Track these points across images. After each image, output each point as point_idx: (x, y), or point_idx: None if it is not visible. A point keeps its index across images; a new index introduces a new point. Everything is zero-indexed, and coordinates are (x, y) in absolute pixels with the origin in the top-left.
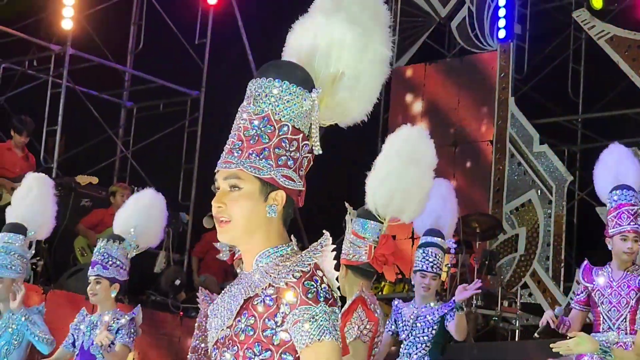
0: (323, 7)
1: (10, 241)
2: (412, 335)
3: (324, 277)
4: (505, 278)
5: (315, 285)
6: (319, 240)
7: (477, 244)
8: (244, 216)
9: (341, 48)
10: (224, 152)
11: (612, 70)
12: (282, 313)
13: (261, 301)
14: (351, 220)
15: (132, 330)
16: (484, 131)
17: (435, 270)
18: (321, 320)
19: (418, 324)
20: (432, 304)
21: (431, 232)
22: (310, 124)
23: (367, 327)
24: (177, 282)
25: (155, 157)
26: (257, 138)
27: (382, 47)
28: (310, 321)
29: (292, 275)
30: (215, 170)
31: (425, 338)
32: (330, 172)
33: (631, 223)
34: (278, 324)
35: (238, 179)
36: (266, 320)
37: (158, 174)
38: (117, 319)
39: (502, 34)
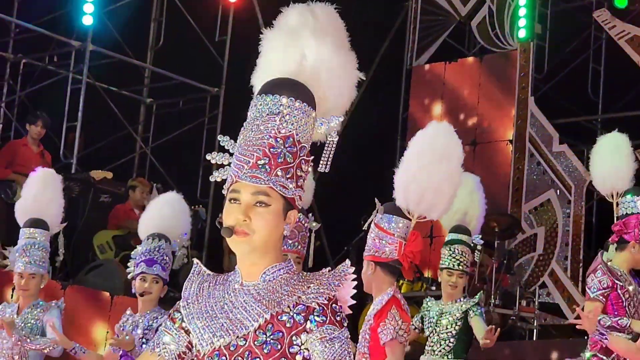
0: (305, 23)
1: (36, 236)
2: (435, 332)
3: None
4: (524, 277)
5: (340, 310)
6: (340, 267)
7: (495, 243)
8: (267, 232)
9: (330, 72)
10: (246, 165)
11: (632, 70)
12: (309, 329)
13: (290, 318)
14: (377, 215)
15: None
16: (504, 130)
17: (462, 268)
18: (343, 344)
19: (442, 321)
20: (458, 300)
21: (458, 229)
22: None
23: (402, 327)
24: None
25: (175, 154)
26: (283, 157)
27: (357, 72)
28: (333, 341)
29: (323, 297)
30: (234, 180)
31: (449, 334)
32: (350, 170)
33: None
34: (303, 342)
35: (267, 196)
36: (293, 337)
37: (177, 170)
38: (156, 318)
39: (522, 33)
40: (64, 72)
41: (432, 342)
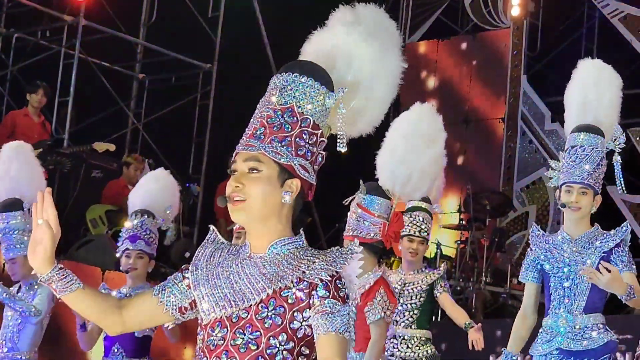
0: (342, 19)
1: (9, 221)
2: (399, 303)
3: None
4: (515, 255)
5: (344, 287)
6: (348, 246)
7: (487, 221)
8: (260, 198)
9: (361, 58)
10: (244, 137)
11: (625, 49)
12: (312, 304)
13: (292, 294)
14: (359, 196)
15: None
16: (496, 109)
17: (422, 235)
18: (345, 318)
19: (406, 291)
20: (420, 270)
21: None
22: (333, 122)
23: (390, 307)
24: (187, 254)
25: (167, 130)
26: (280, 126)
27: (398, 62)
28: (334, 315)
29: (327, 273)
30: (235, 153)
31: (413, 305)
32: None
33: None
34: (305, 319)
35: (258, 162)
36: (295, 313)
37: (169, 146)
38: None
39: (515, 11)
40: (56, 47)
41: (394, 312)
